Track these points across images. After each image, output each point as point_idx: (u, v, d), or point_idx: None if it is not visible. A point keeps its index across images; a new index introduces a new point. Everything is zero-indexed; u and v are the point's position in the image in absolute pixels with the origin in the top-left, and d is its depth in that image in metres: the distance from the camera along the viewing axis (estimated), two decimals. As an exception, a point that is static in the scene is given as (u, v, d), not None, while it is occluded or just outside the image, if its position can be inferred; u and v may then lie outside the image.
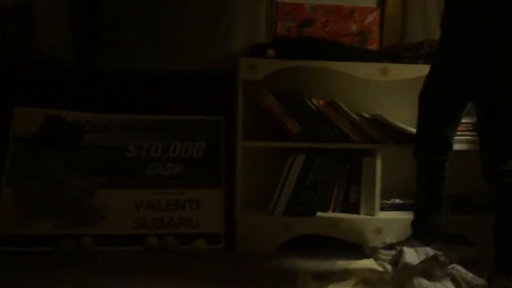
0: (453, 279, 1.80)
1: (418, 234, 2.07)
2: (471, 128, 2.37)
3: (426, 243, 2.03)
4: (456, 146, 2.32)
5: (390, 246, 2.09)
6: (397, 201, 2.44)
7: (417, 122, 2.05)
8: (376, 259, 2.04)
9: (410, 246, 2.02)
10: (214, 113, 2.40)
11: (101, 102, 2.37)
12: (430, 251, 2.06)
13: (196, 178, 2.35)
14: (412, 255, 2.01)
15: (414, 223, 2.12)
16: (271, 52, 2.21)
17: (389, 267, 2.01)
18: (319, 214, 2.32)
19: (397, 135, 2.31)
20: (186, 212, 2.32)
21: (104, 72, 2.43)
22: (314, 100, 2.31)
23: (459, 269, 1.83)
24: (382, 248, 2.10)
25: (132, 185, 2.29)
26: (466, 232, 2.34)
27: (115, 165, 2.30)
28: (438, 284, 1.74)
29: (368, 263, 2.06)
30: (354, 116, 2.29)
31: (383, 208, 2.38)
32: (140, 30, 2.48)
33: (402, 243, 2.08)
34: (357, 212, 2.34)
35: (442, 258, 1.90)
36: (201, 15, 2.50)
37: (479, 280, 1.77)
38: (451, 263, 1.88)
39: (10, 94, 2.31)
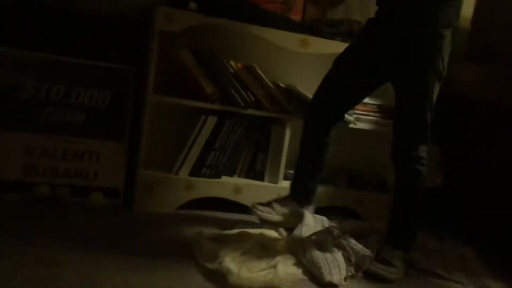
0: (344, 250, 1.89)
1: (295, 196, 2.14)
2: (376, 110, 2.47)
3: (300, 205, 2.11)
4: (360, 125, 2.43)
5: (268, 203, 2.12)
6: (300, 172, 2.50)
7: (319, 85, 2.07)
8: (252, 213, 2.10)
9: (285, 205, 2.11)
10: (125, 62, 2.24)
11: (1, 35, 2.11)
12: (325, 221, 2.16)
13: (98, 129, 2.20)
14: (310, 220, 2.09)
15: (293, 185, 2.16)
16: (193, 5, 2.11)
17: (285, 233, 2.06)
18: (224, 178, 2.31)
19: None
20: (84, 164, 2.18)
21: (5, 3, 2.16)
22: (232, 62, 2.26)
23: (349, 241, 1.93)
24: (258, 203, 2.12)
25: (25, 127, 2.09)
26: (359, 208, 2.48)
27: (6, 105, 2.08)
28: (328, 255, 1.82)
29: (265, 231, 2.10)
30: (270, 84, 2.28)
31: (286, 177, 2.42)
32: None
33: (278, 201, 2.13)
34: (262, 179, 2.36)
35: (335, 231, 1.99)
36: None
37: (367, 251, 1.88)
38: (343, 235, 1.98)
39: None
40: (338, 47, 2.26)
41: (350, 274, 1.79)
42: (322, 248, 1.87)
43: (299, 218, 2.07)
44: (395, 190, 1.99)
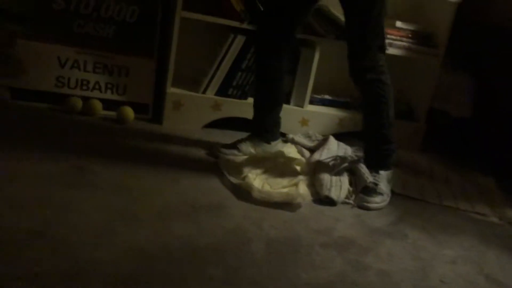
0: (353, 175, 1.92)
1: (258, 133, 2.04)
2: (409, 35, 2.40)
3: (266, 141, 2.04)
4: (391, 51, 2.37)
5: (232, 145, 2.01)
6: (326, 96, 2.49)
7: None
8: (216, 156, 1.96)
9: (249, 142, 2.01)
10: (155, -24, 2.20)
11: None
12: (348, 150, 2.17)
13: (127, 44, 2.21)
14: (333, 145, 2.12)
15: (253, 121, 2.08)
16: None
17: (307, 154, 2.10)
18: (250, 99, 2.32)
19: (340, 31, 2.29)
20: (113, 78, 2.21)
21: None
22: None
23: (361, 166, 1.93)
24: (223, 146, 2.00)
25: (56, 40, 2.12)
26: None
27: (38, 16, 2.10)
28: (334, 177, 1.85)
29: (288, 148, 2.15)
30: (301, 3, 2.21)
31: (312, 102, 2.43)
32: None
33: (241, 140, 2.03)
34: (287, 102, 2.36)
35: (350, 157, 2.00)
36: None
37: (369, 178, 1.88)
38: (357, 161, 1.99)
39: None
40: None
41: (351, 196, 1.82)
42: (333, 171, 1.90)
43: (275, 153, 2.03)
44: (361, 108, 1.97)
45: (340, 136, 2.30)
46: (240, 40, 2.21)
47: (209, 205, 1.57)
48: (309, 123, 2.37)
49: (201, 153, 1.98)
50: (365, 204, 1.80)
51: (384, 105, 1.85)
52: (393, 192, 1.92)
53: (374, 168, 1.89)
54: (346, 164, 1.94)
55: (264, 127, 2.05)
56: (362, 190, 1.84)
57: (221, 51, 2.22)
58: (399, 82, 2.60)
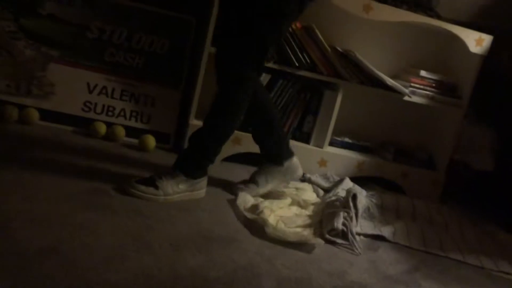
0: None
1: (267, 158, 1.99)
2: (433, 85, 2.42)
3: (277, 163, 1.96)
4: (414, 99, 2.38)
5: (243, 182, 2.00)
6: (347, 139, 2.50)
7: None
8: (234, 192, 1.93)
9: (262, 172, 1.97)
10: (187, 12, 2.29)
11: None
12: (363, 193, 2.15)
13: (155, 74, 2.28)
14: (347, 186, 2.10)
15: (260, 152, 2.02)
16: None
17: (321, 194, 2.10)
18: (270, 136, 2.34)
19: (364, 76, 2.32)
20: (139, 106, 2.27)
21: None
22: (291, 22, 2.25)
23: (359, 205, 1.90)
24: (238, 183, 1.98)
25: (87, 66, 2.20)
26: (404, 182, 2.46)
27: (72, 42, 2.18)
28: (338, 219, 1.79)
29: (305, 187, 2.14)
30: (327, 47, 2.26)
31: (332, 143, 2.43)
32: None
33: (256, 173, 1.99)
34: (307, 142, 2.38)
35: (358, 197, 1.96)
36: None
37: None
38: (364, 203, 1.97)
39: None
40: (403, 15, 2.21)
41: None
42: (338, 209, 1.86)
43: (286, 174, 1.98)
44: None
45: (358, 180, 2.28)
46: (264, 77, 2.25)
47: (222, 238, 1.56)
48: (328, 164, 2.37)
49: (218, 186, 1.98)
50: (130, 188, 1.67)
51: (218, 109, 1.81)
52: (411, 248, 1.87)
53: (173, 167, 1.78)
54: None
55: (270, 151, 1.99)
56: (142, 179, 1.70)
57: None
58: (421, 131, 2.63)
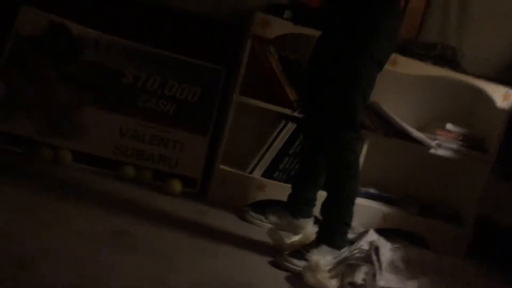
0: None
1: (287, 204, 2.10)
2: (460, 138, 2.41)
3: (294, 215, 2.06)
4: (440, 152, 2.37)
5: (261, 210, 2.14)
6: (372, 190, 2.48)
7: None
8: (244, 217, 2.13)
9: (277, 213, 2.10)
10: (217, 61, 2.39)
11: (109, 23, 2.33)
12: (388, 245, 2.11)
13: (185, 121, 2.36)
14: (372, 238, 2.08)
15: (289, 195, 2.12)
16: (288, 14, 2.20)
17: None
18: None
19: (389, 128, 2.34)
20: (168, 151, 2.33)
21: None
22: (318, 73, 2.31)
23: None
24: (252, 209, 2.15)
25: (121, 111, 2.29)
26: (429, 236, 2.41)
27: (108, 87, 2.29)
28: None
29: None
30: (353, 98, 2.30)
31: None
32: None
33: (271, 209, 2.14)
34: (331, 191, 2.38)
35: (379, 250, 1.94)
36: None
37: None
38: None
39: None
40: (429, 69, 2.24)
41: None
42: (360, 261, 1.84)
43: (295, 228, 2.03)
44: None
45: (382, 232, 2.25)
46: (290, 127, 2.30)
47: (243, 286, 1.56)
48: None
49: (241, 232, 1.99)
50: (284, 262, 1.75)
51: (341, 184, 1.85)
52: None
53: (317, 241, 1.84)
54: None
55: (295, 200, 2.09)
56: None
57: (271, 135, 2.31)
58: (447, 184, 2.59)
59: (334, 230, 1.84)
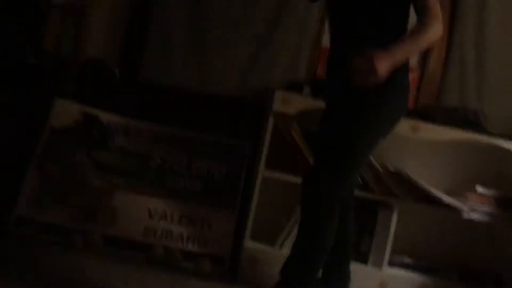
0: None
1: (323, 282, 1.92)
2: (492, 201, 2.35)
3: None
4: (474, 216, 2.31)
5: None
6: (406, 259, 2.41)
7: None
8: None
9: None
10: (241, 138, 2.45)
11: (137, 109, 2.45)
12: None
13: (212, 198, 2.38)
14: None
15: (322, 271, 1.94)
16: (307, 90, 2.27)
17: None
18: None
19: (418, 194, 2.31)
20: (196, 230, 2.34)
21: (145, 82, 2.52)
22: (340, 144, 2.33)
23: None
24: None
25: (150, 193, 2.34)
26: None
27: (137, 171, 2.36)
28: None
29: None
30: (378, 166, 2.30)
31: (391, 263, 2.36)
32: (185, 49, 2.55)
33: None
34: (365, 262, 2.32)
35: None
36: (246, 46, 2.57)
37: None
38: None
39: (54, 86, 2.40)
40: (451, 134, 2.24)
41: None
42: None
43: None
44: None
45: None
46: (317, 198, 2.29)
47: None
48: (388, 286, 2.27)
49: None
50: None
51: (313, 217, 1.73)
52: None
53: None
54: None
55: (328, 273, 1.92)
56: None
57: (298, 208, 2.30)
58: (486, 249, 2.50)
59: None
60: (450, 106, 2.49)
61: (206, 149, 2.43)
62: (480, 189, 2.35)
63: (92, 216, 2.27)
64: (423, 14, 1.63)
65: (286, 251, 2.25)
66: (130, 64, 2.53)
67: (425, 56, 2.60)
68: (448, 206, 2.29)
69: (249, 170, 2.43)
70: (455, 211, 2.29)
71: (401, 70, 1.70)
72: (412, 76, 2.57)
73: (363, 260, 2.33)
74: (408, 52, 1.68)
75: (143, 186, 2.35)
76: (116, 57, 2.53)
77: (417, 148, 2.48)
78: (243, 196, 2.40)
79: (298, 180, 2.25)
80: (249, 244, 2.25)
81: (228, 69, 2.55)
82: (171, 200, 2.35)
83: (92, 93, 2.45)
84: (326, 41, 2.38)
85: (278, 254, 2.25)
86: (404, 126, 2.27)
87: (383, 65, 1.56)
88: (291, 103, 2.24)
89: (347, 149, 1.70)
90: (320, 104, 2.24)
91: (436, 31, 1.63)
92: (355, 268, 2.23)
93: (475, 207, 2.32)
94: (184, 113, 2.50)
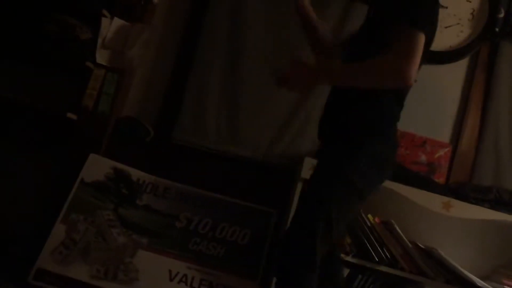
0: None
1: None
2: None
3: None
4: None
5: None
6: None
7: None
8: None
9: None
10: (268, 204, 2.42)
11: (167, 168, 2.48)
12: None
13: (235, 264, 2.32)
14: None
15: None
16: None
17: None
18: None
19: (449, 274, 2.21)
20: (216, 296, 2.27)
21: (178, 143, 2.56)
22: (369, 216, 2.28)
23: None
24: None
25: (172, 254, 2.30)
26: None
27: (162, 231, 2.34)
28: None
29: None
30: (408, 242, 2.23)
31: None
32: (219, 112, 2.61)
33: None
34: None
35: None
36: (278, 114, 2.60)
37: None
38: None
39: (90, 141, 2.45)
40: (485, 213, 2.18)
41: None
42: None
43: None
44: None
45: None
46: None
47: None
48: None
49: None
50: None
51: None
52: None
53: None
54: None
55: None
56: None
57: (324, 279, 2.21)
58: None
59: None
60: (484, 184, 2.43)
61: (232, 212, 2.41)
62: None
63: (113, 274, 2.24)
64: (389, 48, 1.46)
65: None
66: (164, 124, 2.59)
67: (458, 132, 2.59)
68: (481, 290, 2.17)
69: (274, 236, 2.38)
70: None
71: (383, 120, 1.61)
72: (444, 152, 2.56)
73: None
74: (349, 75, 1.54)
75: (166, 247, 2.32)
76: (152, 117, 2.60)
77: (449, 227, 2.40)
78: (266, 265, 2.33)
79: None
80: (270, 316, 2.16)
81: (259, 133, 2.58)
82: (192, 263, 2.30)
83: (126, 150, 2.50)
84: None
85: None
86: (436, 203, 2.22)
87: (313, 77, 1.55)
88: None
89: (321, 201, 1.54)
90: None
91: (391, 64, 1.44)
92: None
93: (510, 292, 2.19)
94: (213, 175, 2.51)
